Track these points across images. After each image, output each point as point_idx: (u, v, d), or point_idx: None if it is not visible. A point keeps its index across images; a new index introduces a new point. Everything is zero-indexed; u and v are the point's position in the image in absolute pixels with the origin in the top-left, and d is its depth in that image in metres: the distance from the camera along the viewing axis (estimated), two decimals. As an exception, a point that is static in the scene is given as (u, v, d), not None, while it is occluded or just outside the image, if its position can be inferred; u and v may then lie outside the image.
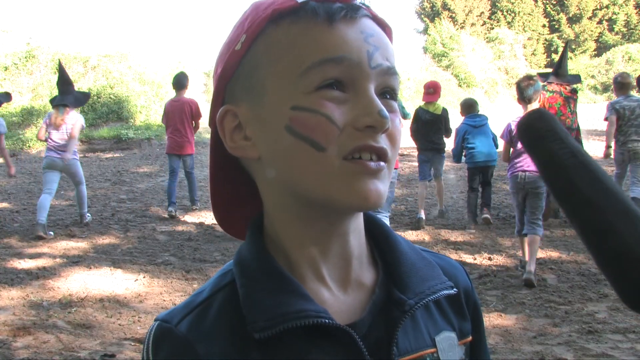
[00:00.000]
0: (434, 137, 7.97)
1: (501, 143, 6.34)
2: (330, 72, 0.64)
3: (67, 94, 7.78)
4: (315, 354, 0.65)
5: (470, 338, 0.78)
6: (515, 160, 5.61)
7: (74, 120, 7.67)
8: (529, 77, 6.01)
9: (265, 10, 0.67)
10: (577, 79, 8.20)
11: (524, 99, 5.60)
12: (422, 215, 7.77)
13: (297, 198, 0.68)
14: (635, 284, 0.46)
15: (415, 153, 8.51)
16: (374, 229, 0.76)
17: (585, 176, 0.49)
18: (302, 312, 0.64)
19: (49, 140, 7.64)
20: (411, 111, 8.66)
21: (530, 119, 0.53)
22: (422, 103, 8.24)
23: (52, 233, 7.48)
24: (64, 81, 7.91)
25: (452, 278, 0.76)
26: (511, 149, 5.74)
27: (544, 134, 0.52)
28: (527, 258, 5.47)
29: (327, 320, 0.64)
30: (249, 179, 0.75)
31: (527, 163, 5.46)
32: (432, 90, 8.01)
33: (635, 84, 7.94)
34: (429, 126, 7.91)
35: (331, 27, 0.65)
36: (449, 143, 8.12)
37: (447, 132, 8.09)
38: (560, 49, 42.35)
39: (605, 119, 7.49)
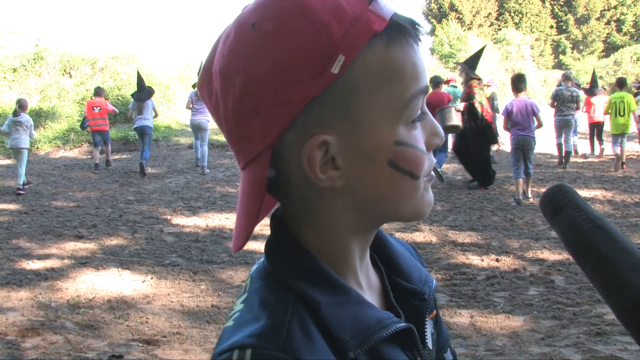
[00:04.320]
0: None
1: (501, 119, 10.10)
2: (422, 102, 0.66)
3: None
4: (397, 355, 0.67)
5: (435, 312, 0.82)
6: (514, 128, 8.98)
7: None
8: (520, 75, 9.57)
9: (356, 25, 0.60)
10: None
11: (517, 90, 9.12)
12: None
13: (372, 218, 0.69)
14: None
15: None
16: None
17: (602, 237, 0.53)
18: (382, 321, 0.65)
19: (194, 108, 12.51)
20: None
21: (551, 193, 0.59)
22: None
23: (208, 170, 12.82)
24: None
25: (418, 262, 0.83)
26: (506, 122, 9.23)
27: (564, 204, 0.57)
28: (522, 190, 9.05)
29: (402, 324, 0.67)
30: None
31: (521, 130, 8.92)
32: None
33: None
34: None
35: (416, 51, 0.64)
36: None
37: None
38: (569, 50, 42.05)
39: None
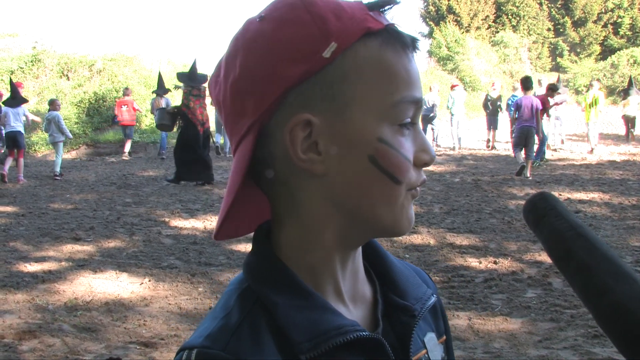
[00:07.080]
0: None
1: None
2: (412, 110, 0.67)
3: None
4: None
5: (445, 337, 0.81)
6: (520, 120, 11.40)
7: None
8: (529, 77, 12.31)
9: (352, 21, 0.64)
10: (205, 78, 11.56)
11: (526, 89, 11.64)
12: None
13: (351, 220, 0.68)
14: (631, 336, 0.50)
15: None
16: None
17: (582, 244, 0.54)
18: (341, 327, 0.65)
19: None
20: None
21: (534, 201, 0.59)
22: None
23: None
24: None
25: (425, 283, 0.81)
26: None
27: (546, 212, 0.57)
28: (522, 158, 11.38)
29: (365, 333, 0.66)
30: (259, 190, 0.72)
31: (526, 121, 11.32)
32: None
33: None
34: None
35: (411, 59, 0.67)
36: None
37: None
38: (566, 53, 42.01)
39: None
